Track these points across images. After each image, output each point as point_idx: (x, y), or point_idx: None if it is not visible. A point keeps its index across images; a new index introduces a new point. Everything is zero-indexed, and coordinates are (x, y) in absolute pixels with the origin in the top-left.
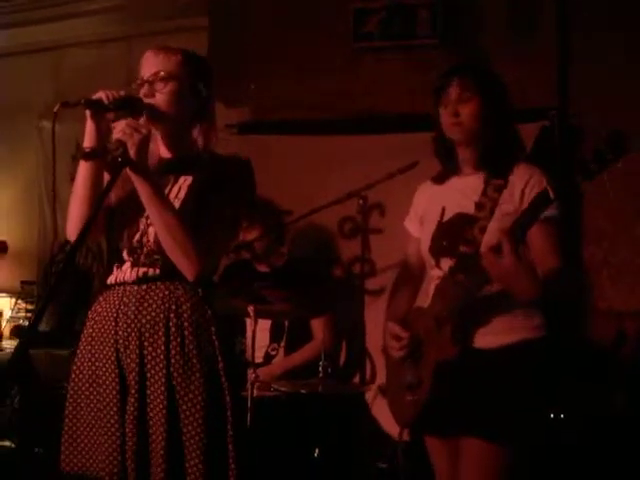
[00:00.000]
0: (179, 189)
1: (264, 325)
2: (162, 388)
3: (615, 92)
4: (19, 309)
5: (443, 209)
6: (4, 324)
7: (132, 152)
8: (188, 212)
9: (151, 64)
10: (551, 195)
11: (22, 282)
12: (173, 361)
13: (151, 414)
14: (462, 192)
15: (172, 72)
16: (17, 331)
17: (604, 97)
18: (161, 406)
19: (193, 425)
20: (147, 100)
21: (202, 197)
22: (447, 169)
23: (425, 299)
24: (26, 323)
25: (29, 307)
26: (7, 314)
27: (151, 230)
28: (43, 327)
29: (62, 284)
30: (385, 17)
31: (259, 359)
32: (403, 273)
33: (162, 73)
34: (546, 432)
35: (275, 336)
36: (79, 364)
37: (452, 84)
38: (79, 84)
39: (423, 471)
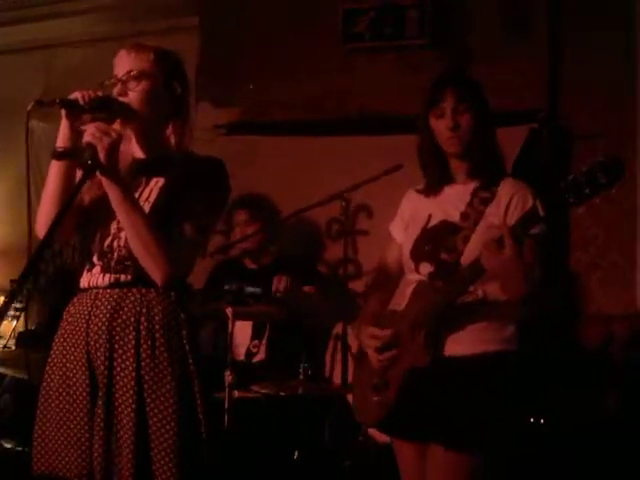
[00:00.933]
0: (150, 191)
1: (246, 322)
2: (131, 391)
3: (605, 93)
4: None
5: (429, 216)
6: None
7: (102, 155)
8: (159, 215)
9: (124, 63)
10: (540, 213)
11: (11, 281)
12: (143, 364)
13: (119, 417)
14: (450, 201)
15: (144, 70)
16: (22, 338)
17: (594, 98)
18: (129, 409)
19: (166, 428)
20: (121, 99)
21: (173, 199)
22: (436, 180)
23: (400, 302)
24: (14, 322)
25: (18, 306)
26: None
27: (122, 235)
28: (30, 326)
29: (27, 281)
30: (375, 18)
31: (240, 356)
32: (379, 277)
33: (134, 72)
34: (526, 438)
35: (257, 333)
36: (51, 365)
37: (447, 95)
38: (70, 83)
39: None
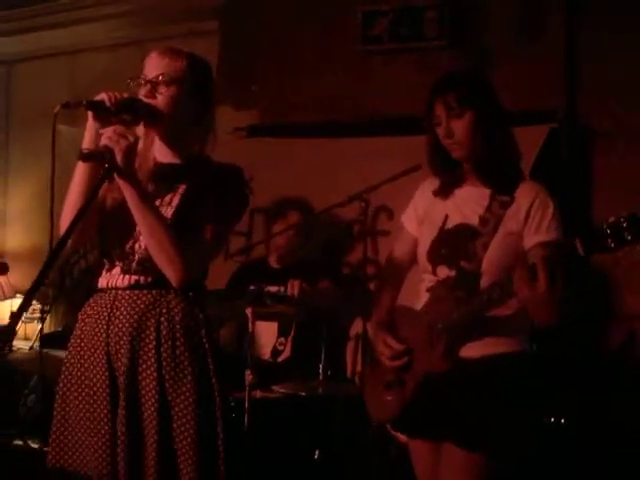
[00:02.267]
0: (172, 196)
1: (272, 322)
2: (153, 391)
3: (623, 92)
4: (33, 310)
5: (446, 216)
6: (19, 325)
7: (119, 158)
8: (181, 220)
9: (156, 65)
10: (579, 252)
11: None
12: (164, 364)
13: (143, 416)
14: (467, 203)
15: (176, 76)
16: (47, 339)
17: (612, 98)
18: (152, 408)
19: (185, 427)
20: (147, 100)
21: (194, 204)
22: (449, 181)
23: (411, 298)
24: (40, 324)
25: (45, 308)
26: (23, 315)
27: (143, 237)
28: (56, 327)
29: (45, 278)
30: (393, 19)
31: (266, 355)
32: (390, 270)
33: (167, 76)
34: (544, 439)
35: (283, 331)
36: (68, 365)
37: (438, 103)
38: (94, 88)
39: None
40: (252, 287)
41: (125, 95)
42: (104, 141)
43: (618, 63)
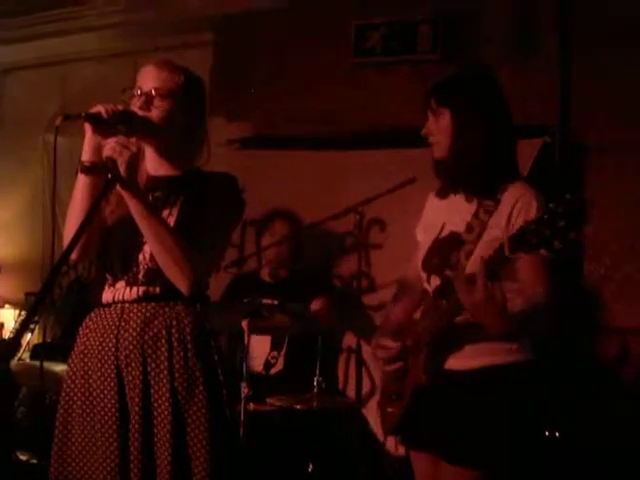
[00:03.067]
0: (170, 210)
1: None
2: (166, 404)
3: (616, 108)
4: (22, 321)
5: (443, 225)
6: (7, 336)
7: (122, 169)
8: (182, 231)
9: (153, 78)
10: (506, 253)
11: (26, 294)
12: (177, 375)
13: (156, 430)
14: (458, 210)
15: (172, 90)
16: (36, 351)
17: (605, 114)
18: (166, 421)
19: (199, 438)
20: (142, 113)
21: (192, 216)
22: (447, 186)
23: None
24: (28, 335)
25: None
26: (11, 325)
27: (147, 248)
28: (45, 338)
29: (48, 296)
30: (386, 33)
31: (259, 367)
32: (404, 282)
33: (163, 90)
34: (541, 451)
35: (275, 345)
36: (71, 381)
37: (429, 103)
38: (85, 98)
39: None
40: (246, 300)
41: (120, 107)
42: (107, 152)
43: (611, 79)
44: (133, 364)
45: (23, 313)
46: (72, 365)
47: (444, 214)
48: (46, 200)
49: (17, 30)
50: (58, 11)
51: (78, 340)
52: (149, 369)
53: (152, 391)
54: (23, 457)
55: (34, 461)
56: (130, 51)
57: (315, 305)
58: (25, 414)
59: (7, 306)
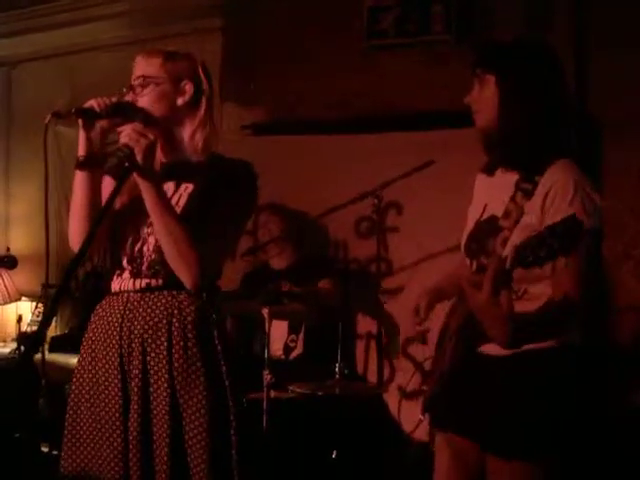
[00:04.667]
0: (179, 196)
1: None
2: (164, 394)
3: (633, 84)
4: (39, 313)
5: (485, 206)
6: (25, 328)
7: (139, 157)
8: (189, 219)
9: (137, 69)
10: (507, 266)
11: (43, 285)
12: (176, 365)
13: (154, 420)
14: (500, 191)
15: (151, 75)
16: (21, 338)
17: (621, 90)
18: (164, 412)
19: (199, 429)
20: (135, 102)
21: (203, 203)
22: (493, 160)
23: None
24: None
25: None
26: (28, 318)
27: (151, 239)
28: (62, 330)
29: (64, 295)
30: (399, 14)
31: (278, 351)
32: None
33: (141, 78)
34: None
35: (293, 327)
36: (80, 368)
37: (473, 71)
38: (96, 88)
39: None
40: (267, 288)
41: (114, 99)
42: (124, 139)
43: (627, 61)
44: (134, 353)
45: (40, 305)
46: (82, 352)
47: (487, 194)
48: (58, 191)
49: (25, 22)
50: (65, 2)
51: (88, 327)
52: (149, 358)
53: (152, 380)
54: (44, 449)
55: (55, 452)
56: (139, 40)
57: (321, 285)
58: (44, 406)
59: (24, 298)
